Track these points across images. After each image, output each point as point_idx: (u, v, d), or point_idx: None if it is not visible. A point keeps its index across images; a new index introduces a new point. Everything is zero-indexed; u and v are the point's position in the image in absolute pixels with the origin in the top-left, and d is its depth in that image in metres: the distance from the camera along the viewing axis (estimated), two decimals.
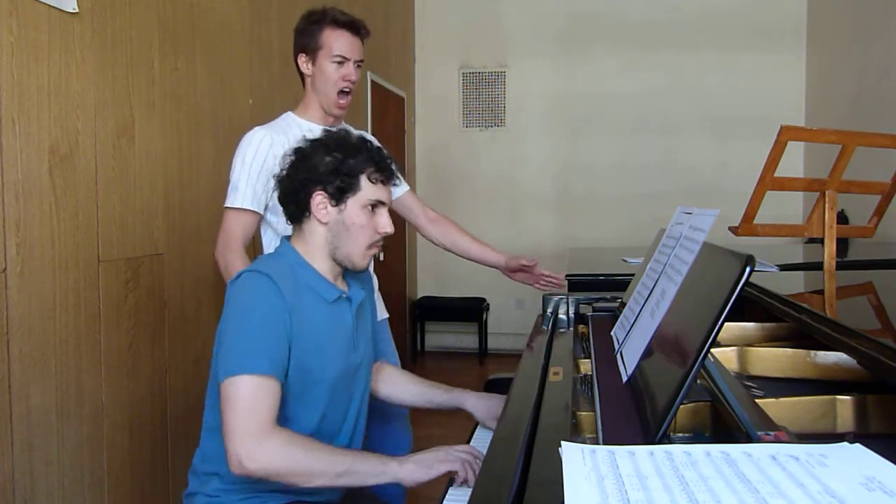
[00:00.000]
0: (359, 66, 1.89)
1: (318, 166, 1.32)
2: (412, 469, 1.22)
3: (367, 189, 1.34)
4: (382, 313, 2.07)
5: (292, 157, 1.36)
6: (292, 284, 1.28)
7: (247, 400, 1.17)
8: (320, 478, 1.19)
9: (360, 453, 1.28)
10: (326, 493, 1.38)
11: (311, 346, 1.27)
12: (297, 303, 1.26)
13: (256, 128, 1.84)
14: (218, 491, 1.33)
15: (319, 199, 1.33)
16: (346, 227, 1.34)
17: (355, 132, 1.40)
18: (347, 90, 1.89)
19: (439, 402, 1.56)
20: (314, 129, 1.90)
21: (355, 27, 1.87)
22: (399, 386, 1.60)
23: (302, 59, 1.89)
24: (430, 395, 1.57)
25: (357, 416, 1.42)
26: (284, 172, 1.36)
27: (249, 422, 1.16)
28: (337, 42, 1.84)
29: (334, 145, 1.34)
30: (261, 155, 1.77)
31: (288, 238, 1.40)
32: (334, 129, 1.39)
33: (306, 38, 1.87)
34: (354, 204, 1.33)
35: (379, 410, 1.72)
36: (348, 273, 1.44)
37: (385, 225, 1.37)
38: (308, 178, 1.32)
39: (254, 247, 1.91)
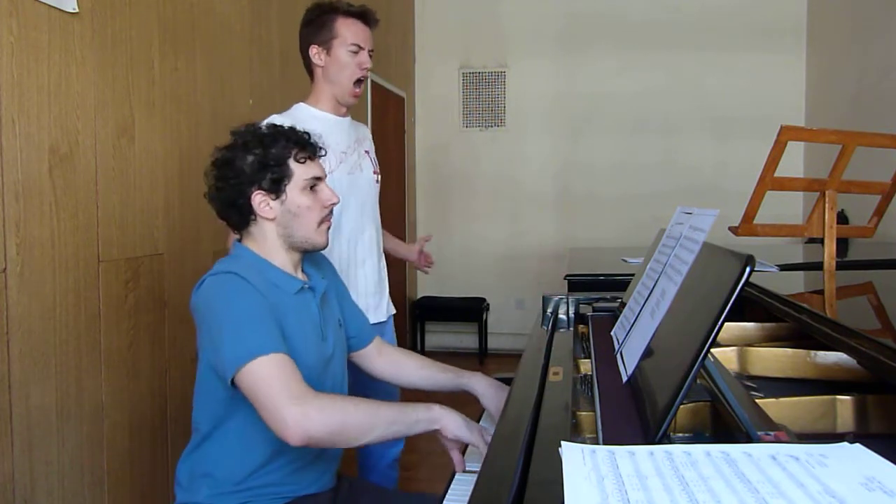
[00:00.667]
0: (371, 55, 1.91)
1: (245, 168, 1.32)
2: (456, 420, 1.23)
3: (299, 170, 1.34)
4: (390, 309, 2.08)
5: (214, 171, 1.35)
6: (256, 278, 1.28)
7: (275, 374, 1.15)
8: (375, 430, 1.18)
9: (403, 405, 1.27)
10: (322, 481, 1.39)
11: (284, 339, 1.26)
12: (267, 294, 1.27)
13: (273, 115, 1.86)
14: (209, 497, 1.31)
15: (260, 199, 1.33)
16: (294, 213, 1.34)
17: (262, 123, 1.41)
18: (363, 78, 1.91)
19: (447, 385, 1.54)
20: (328, 119, 1.91)
21: (367, 17, 1.90)
22: (403, 368, 1.59)
23: (314, 50, 1.89)
24: (438, 378, 1.55)
25: None
26: (213, 187, 1.36)
27: (289, 390, 1.14)
28: (351, 31, 1.86)
29: (251, 142, 1.33)
30: None
31: (238, 241, 1.40)
32: (242, 128, 1.38)
33: (317, 29, 1.87)
34: (293, 189, 1.34)
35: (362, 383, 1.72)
36: (306, 263, 1.44)
37: (329, 197, 1.38)
38: (240, 182, 1.31)
39: None
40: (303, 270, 1.44)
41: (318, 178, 1.38)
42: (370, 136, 2.14)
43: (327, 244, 1.41)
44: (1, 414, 1.54)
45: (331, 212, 1.40)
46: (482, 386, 1.49)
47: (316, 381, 1.32)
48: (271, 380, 1.15)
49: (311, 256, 1.49)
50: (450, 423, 1.22)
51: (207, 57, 2.41)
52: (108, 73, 1.89)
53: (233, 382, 1.19)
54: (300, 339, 1.30)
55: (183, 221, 2.25)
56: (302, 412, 1.12)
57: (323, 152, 1.42)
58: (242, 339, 1.18)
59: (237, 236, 1.41)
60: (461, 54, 5.44)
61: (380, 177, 2.07)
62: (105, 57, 1.88)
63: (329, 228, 1.41)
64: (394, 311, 2.11)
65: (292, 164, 1.34)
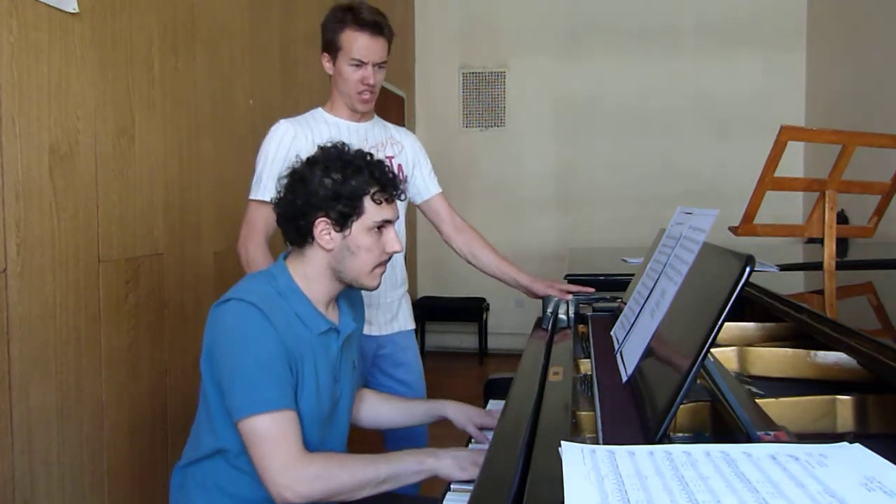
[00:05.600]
0: (381, 68, 1.85)
1: (318, 191, 1.24)
2: (449, 465, 1.21)
3: (372, 211, 1.27)
4: (395, 326, 2.00)
5: (287, 180, 1.29)
6: (282, 311, 1.24)
7: (269, 437, 1.16)
8: (364, 490, 1.19)
9: (396, 456, 1.25)
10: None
11: (298, 377, 1.24)
12: (287, 331, 1.23)
13: (281, 120, 1.84)
14: None
15: (322, 227, 1.26)
16: (352, 251, 1.27)
17: (354, 146, 1.33)
18: (367, 94, 1.85)
19: (419, 413, 1.55)
20: (339, 124, 1.90)
21: (378, 28, 1.80)
22: (378, 407, 1.57)
23: (325, 58, 1.86)
24: (410, 407, 1.57)
25: (340, 445, 1.39)
26: (281, 196, 1.30)
27: (278, 456, 1.15)
28: (356, 44, 1.79)
29: (333, 165, 1.26)
30: (283, 148, 1.78)
31: (286, 255, 1.35)
32: (330, 145, 1.31)
33: (327, 37, 1.84)
34: (359, 228, 1.27)
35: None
36: (342, 298, 1.39)
37: (393, 244, 1.31)
38: (307, 203, 1.25)
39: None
40: (336, 303, 1.38)
41: (389, 222, 1.30)
42: (406, 139, 2.04)
43: (377, 288, 1.35)
44: (1, 414, 1.55)
45: (390, 258, 1.34)
46: (452, 408, 1.51)
47: (321, 423, 1.31)
48: (269, 441, 1.16)
49: (350, 293, 1.44)
50: (442, 470, 1.21)
51: (207, 57, 2.41)
52: (108, 73, 1.89)
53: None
54: (313, 382, 1.27)
55: (183, 221, 2.25)
56: (288, 484, 1.14)
57: (403, 196, 1.34)
58: (252, 389, 1.17)
59: (286, 249, 1.36)
60: (461, 54, 5.44)
61: (403, 184, 1.99)
62: (105, 57, 1.88)
63: (383, 273, 1.35)
64: (406, 328, 2.02)
65: (367, 202, 1.26)
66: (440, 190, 2.10)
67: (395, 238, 1.32)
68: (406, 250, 2.14)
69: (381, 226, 1.30)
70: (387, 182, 1.29)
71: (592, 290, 1.92)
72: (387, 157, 1.93)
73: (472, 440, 1.48)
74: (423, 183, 2.06)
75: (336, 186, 1.24)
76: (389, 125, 2.06)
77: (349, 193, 1.25)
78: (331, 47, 1.83)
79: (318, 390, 1.28)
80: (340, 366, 1.36)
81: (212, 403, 1.26)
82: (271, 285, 1.28)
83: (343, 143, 1.32)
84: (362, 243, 1.28)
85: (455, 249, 2.10)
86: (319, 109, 1.93)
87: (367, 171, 1.27)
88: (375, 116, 2.01)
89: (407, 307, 2.05)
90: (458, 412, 1.51)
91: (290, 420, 1.18)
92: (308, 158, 1.30)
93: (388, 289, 1.96)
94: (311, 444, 1.27)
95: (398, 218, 1.35)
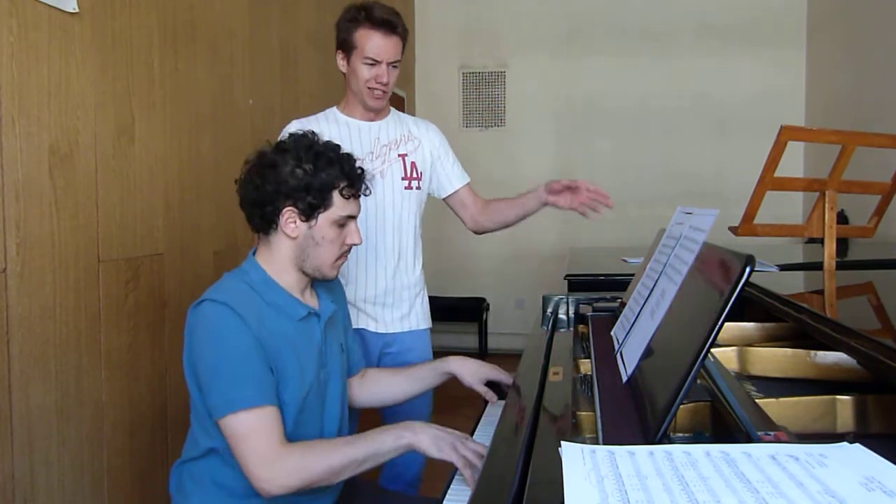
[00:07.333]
0: (395, 67, 1.85)
1: (289, 180, 1.25)
2: (426, 441, 1.21)
3: (340, 205, 1.30)
4: (407, 324, 2.00)
5: (256, 164, 1.29)
6: (255, 307, 1.24)
7: (248, 433, 1.17)
8: (345, 472, 1.21)
9: (374, 434, 1.25)
10: (325, 498, 1.37)
11: (279, 368, 1.25)
12: (261, 326, 1.23)
13: (293, 121, 1.87)
14: None
15: (289, 215, 1.27)
16: (316, 242, 1.30)
17: (324, 138, 1.34)
18: (379, 91, 1.85)
19: (426, 377, 1.56)
20: (350, 124, 1.90)
21: (391, 26, 1.80)
22: (383, 382, 1.57)
23: (339, 56, 1.87)
24: (415, 373, 1.57)
25: (337, 428, 1.39)
26: (246, 178, 1.29)
27: (257, 451, 1.17)
28: (370, 43, 1.79)
29: (305, 156, 1.27)
30: None
31: (255, 251, 1.36)
32: (300, 134, 1.32)
33: (342, 36, 1.85)
34: (325, 220, 1.29)
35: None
36: (318, 283, 1.41)
37: (354, 237, 1.34)
38: (277, 191, 1.25)
39: None
40: (312, 288, 1.40)
41: (352, 217, 1.34)
42: (424, 134, 2.00)
43: (335, 278, 1.38)
44: (1, 414, 1.54)
45: (349, 249, 1.37)
46: (456, 363, 1.54)
47: (311, 407, 1.32)
48: (249, 438, 1.17)
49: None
50: (421, 443, 1.21)
51: (207, 57, 2.41)
52: (108, 73, 1.89)
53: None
54: (296, 371, 1.27)
55: (183, 221, 2.25)
56: (268, 477, 1.16)
57: (368, 192, 1.37)
58: (230, 387, 1.18)
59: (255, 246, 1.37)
60: (461, 54, 5.44)
61: (416, 182, 1.98)
62: (105, 57, 1.88)
63: (342, 265, 1.38)
64: (418, 327, 2.01)
65: (335, 196, 1.28)
66: (467, 180, 2.08)
67: (355, 231, 1.35)
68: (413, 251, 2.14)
69: (345, 222, 1.32)
70: (355, 178, 1.31)
71: (607, 194, 1.95)
72: (399, 156, 1.94)
73: (480, 424, 1.47)
74: (445, 176, 2.05)
75: (307, 178, 1.26)
76: (408, 119, 2.04)
77: (319, 185, 1.27)
78: (345, 46, 1.84)
79: (303, 378, 1.28)
80: (326, 349, 1.36)
81: (199, 405, 1.27)
82: (243, 280, 1.29)
83: (313, 133, 1.33)
84: (327, 235, 1.30)
85: (485, 228, 2.11)
86: (333, 109, 1.95)
87: (338, 164, 1.28)
88: (392, 112, 2.00)
89: (421, 306, 2.05)
90: (463, 367, 1.52)
91: (269, 416, 1.19)
92: (278, 144, 1.31)
93: (396, 289, 1.97)
94: (305, 432, 1.28)
95: (358, 214, 1.37)
